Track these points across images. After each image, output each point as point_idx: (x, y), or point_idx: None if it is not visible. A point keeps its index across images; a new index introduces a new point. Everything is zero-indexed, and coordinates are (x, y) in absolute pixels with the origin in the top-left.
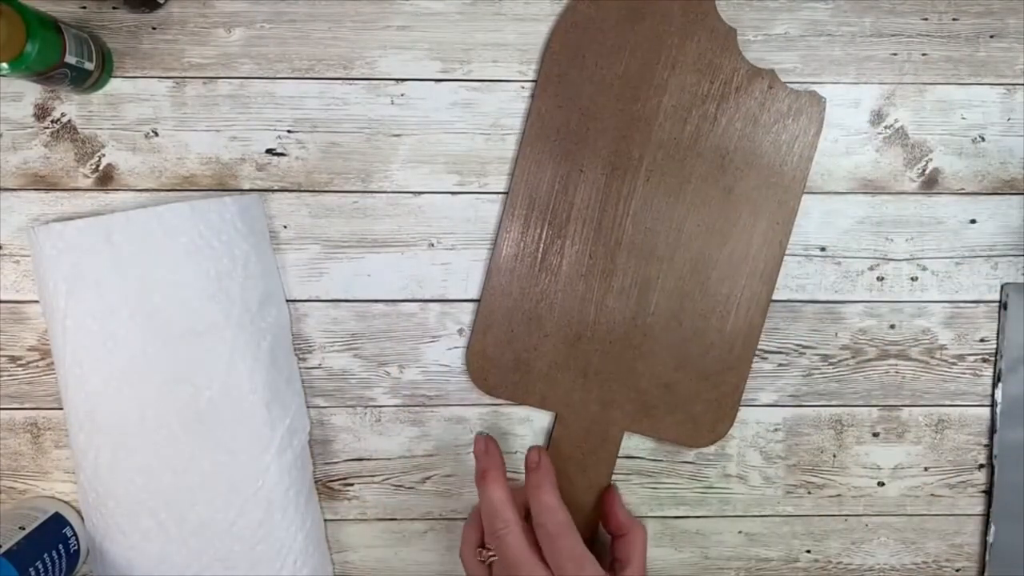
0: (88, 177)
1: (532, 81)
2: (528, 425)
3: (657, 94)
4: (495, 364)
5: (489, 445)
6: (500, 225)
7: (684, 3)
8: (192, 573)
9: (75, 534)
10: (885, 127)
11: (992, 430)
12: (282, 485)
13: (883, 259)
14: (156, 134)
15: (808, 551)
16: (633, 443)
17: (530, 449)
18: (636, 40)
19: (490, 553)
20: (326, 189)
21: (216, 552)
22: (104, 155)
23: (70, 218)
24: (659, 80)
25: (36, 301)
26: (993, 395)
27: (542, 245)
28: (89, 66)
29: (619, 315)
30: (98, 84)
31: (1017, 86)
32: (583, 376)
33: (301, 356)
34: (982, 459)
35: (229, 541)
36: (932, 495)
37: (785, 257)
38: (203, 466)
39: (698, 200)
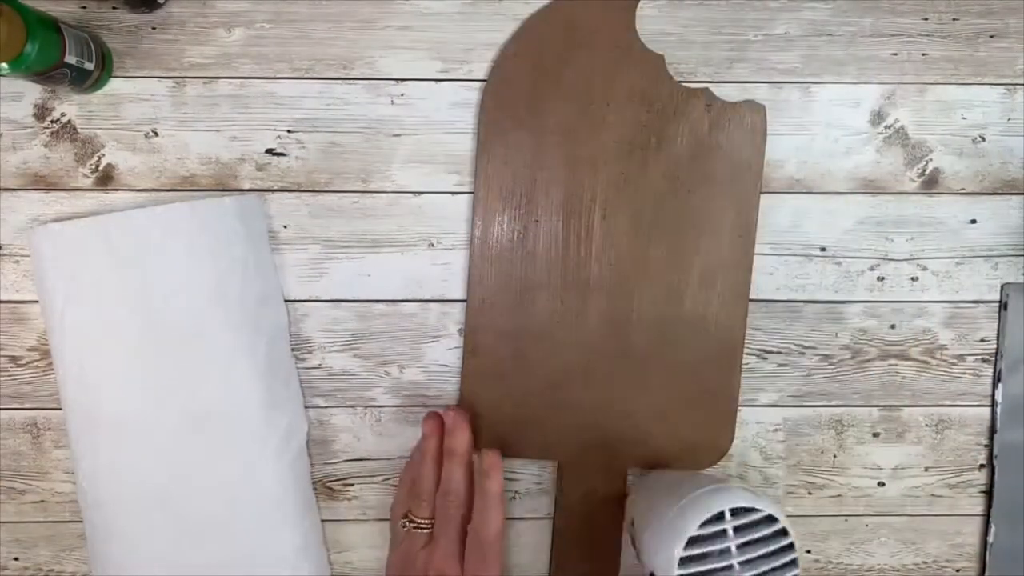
0: (88, 177)
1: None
2: None
3: (597, 134)
4: (489, 422)
5: (459, 420)
6: (468, 287)
7: (607, 40)
8: (191, 573)
9: None
10: (885, 127)
11: (992, 430)
12: (280, 485)
13: (883, 259)
14: (156, 134)
15: (808, 551)
16: None
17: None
18: (567, 84)
19: (421, 524)
20: (326, 189)
21: (215, 552)
22: (104, 155)
23: (70, 218)
24: (597, 119)
25: (36, 301)
26: (993, 395)
27: (511, 301)
28: (89, 66)
29: (601, 355)
30: (98, 84)
31: (1017, 86)
32: (577, 421)
33: (301, 356)
34: (982, 459)
35: (228, 541)
36: (932, 495)
37: (785, 257)
38: (201, 466)
39: (657, 229)
